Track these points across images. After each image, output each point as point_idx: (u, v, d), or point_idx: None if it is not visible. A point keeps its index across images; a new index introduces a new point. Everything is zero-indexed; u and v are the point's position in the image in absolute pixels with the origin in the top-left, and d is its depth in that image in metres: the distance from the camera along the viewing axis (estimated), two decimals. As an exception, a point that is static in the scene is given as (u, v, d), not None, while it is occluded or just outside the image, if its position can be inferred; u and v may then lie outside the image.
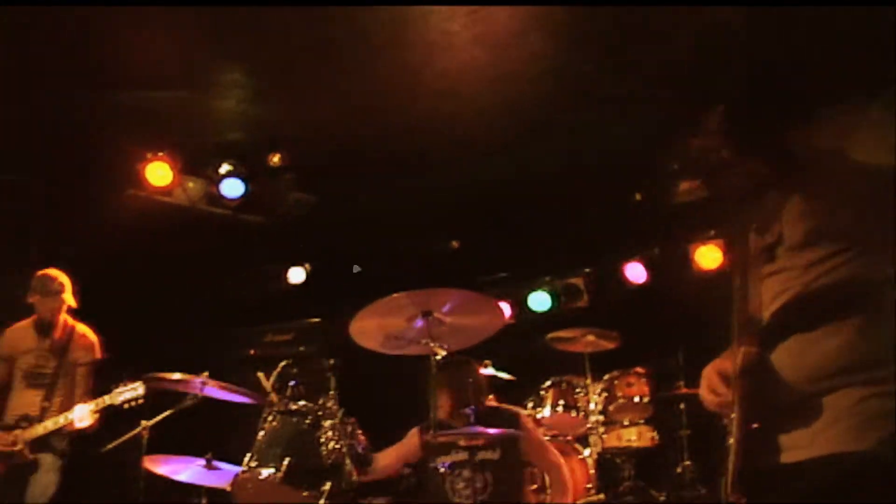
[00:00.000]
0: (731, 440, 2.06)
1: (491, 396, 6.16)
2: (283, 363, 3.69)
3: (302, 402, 3.55)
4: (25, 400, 4.80)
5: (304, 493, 3.30)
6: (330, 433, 3.37)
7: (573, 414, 5.98)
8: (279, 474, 3.31)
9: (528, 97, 5.35)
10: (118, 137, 5.71)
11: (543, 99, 5.39)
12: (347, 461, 3.26)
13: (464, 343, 3.52)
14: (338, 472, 3.28)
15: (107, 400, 4.57)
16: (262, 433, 3.53)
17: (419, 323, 3.28)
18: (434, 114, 5.56)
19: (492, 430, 3.87)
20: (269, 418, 3.55)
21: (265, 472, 3.34)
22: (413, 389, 3.91)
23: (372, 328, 3.31)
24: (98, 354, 5.00)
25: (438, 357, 3.19)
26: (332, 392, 3.50)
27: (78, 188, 6.17)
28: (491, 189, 6.70)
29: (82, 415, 4.59)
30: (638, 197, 6.99)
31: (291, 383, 3.69)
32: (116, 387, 4.55)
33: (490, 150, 6.07)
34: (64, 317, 4.97)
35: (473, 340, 3.56)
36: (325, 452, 3.35)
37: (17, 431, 4.66)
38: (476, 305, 3.34)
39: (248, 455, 3.45)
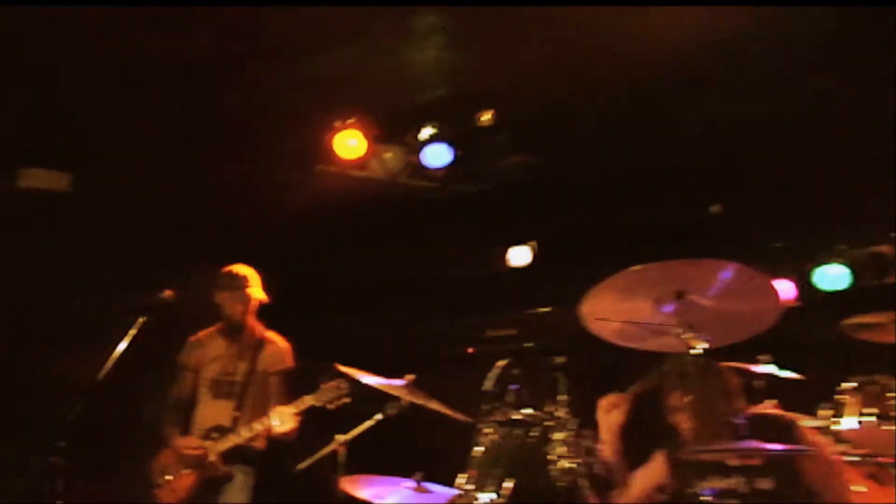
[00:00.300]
0: None
1: (773, 402, 5.82)
2: (501, 363, 3.61)
3: (527, 411, 3.45)
4: (215, 411, 5.08)
5: (533, 525, 3.21)
6: (561, 449, 3.25)
7: (889, 427, 5.49)
8: (501, 500, 3.23)
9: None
10: (299, 109, 5.85)
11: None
12: (584, 483, 3.11)
13: (728, 337, 3.24)
14: (572, 496, 3.15)
15: (308, 400, 4.75)
16: (478, 448, 3.47)
17: (669, 307, 3.07)
18: (673, 46, 5.23)
19: (773, 446, 3.58)
20: (487, 430, 3.49)
21: (484, 498, 3.27)
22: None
23: (607, 312, 3.11)
24: (290, 363, 5.23)
25: (696, 352, 2.95)
26: (562, 398, 3.38)
27: (261, 172, 6.43)
28: (758, 135, 6.27)
29: (282, 418, 4.78)
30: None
31: (513, 387, 3.59)
32: (318, 387, 4.73)
33: (751, 85, 5.64)
34: (253, 320, 5.26)
35: (740, 335, 3.26)
36: (555, 472, 3.24)
37: (209, 443, 4.93)
38: (746, 285, 3.05)
39: (464, 475, 3.40)
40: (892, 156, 6.24)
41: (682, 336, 3.01)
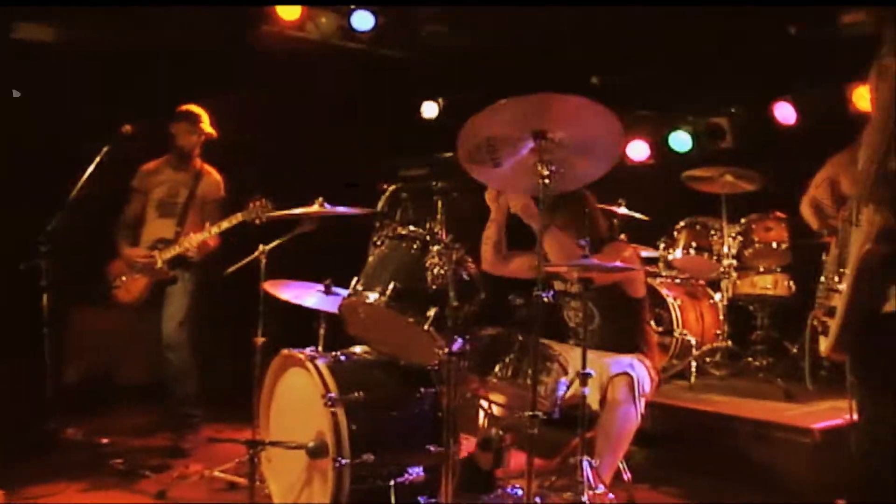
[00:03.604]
0: (842, 288, 1.71)
1: (623, 236, 5.83)
2: (391, 187, 3.47)
3: (411, 227, 3.33)
4: (160, 227, 5.01)
5: (410, 319, 3.13)
6: (435, 259, 3.15)
7: (705, 256, 5.55)
8: (384, 298, 3.14)
9: None
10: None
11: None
12: (451, 288, 3.03)
13: (582, 174, 3.10)
14: (441, 294, 3.07)
15: (240, 216, 4.66)
16: (371, 258, 3.36)
17: (528, 145, 2.92)
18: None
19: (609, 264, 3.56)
20: (379, 243, 3.37)
21: (371, 296, 3.18)
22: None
23: (479, 145, 2.94)
24: (223, 193, 5.14)
25: (547, 180, 2.82)
26: (439, 216, 3.26)
27: (208, 27, 6.06)
28: (633, 23, 6.08)
29: (217, 230, 4.73)
30: (792, 30, 6.19)
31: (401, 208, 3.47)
32: (247, 205, 4.62)
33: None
34: (198, 153, 5.13)
35: (593, 172, 3.12)
36: (430, 278, 3.14)
37: (156, 252, 4.91)
38: (594, 122, 2.88)
39: (355, 279, 3.30)
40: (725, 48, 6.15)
41: (538, 167, 2.86)
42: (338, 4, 6.29)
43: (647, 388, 3.64)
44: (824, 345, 1.81)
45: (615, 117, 2.83)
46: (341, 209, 3.74)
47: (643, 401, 3.57)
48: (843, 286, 1.69)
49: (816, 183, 1.84)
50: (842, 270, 1.72)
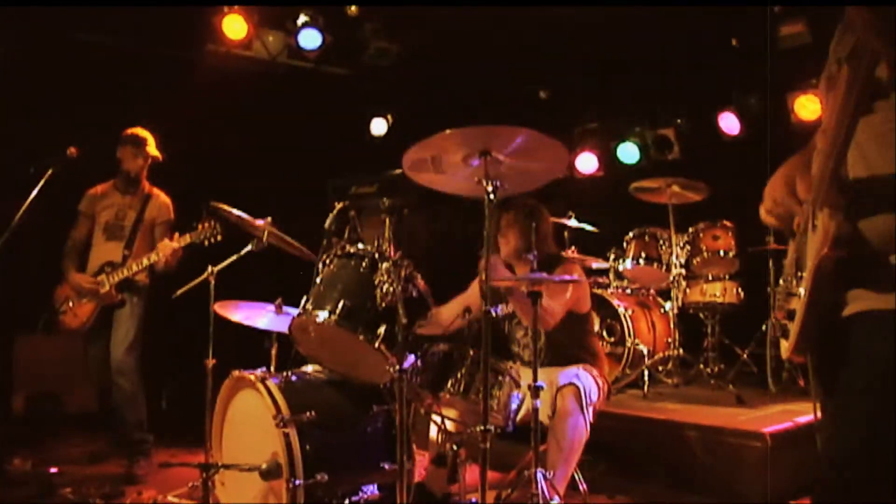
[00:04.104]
0: (801, 290, 1.76)
1: (573, 248, 5.90)
2: (339, 205, 3.47)
3: (360, 246, 3.34)
4: (107, 250, 4.94)
5: (360, 337, 3.12)
6: (385, 276, 3.16)
7: (655, 267, 5.64)
8: (334, 317, 3.14)
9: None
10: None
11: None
12: (400, 305, 3.03)
13: (520, 187, 3.15)
14: (390, 312, 3.07)
15: (189, 238, 4.65)
16: (320, 277, 3.35)
17: (475, 162, 2.95)
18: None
19: (556, 277, 3.61)
20: (328, 262, 3.37)
21: (321, 315, 3.17)
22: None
23: (425, 165, 2.97)
24: (172, 215, 5.09)
25: (492, 197, 2.86)
26: (387, 234, 3.27)
27: (155, 46, 6.03)
28: (581, 36, 6.18)
29: (165, 252, 4.68)
30: (734, 42, 6.36)
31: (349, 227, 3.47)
32: (195, 227, 4.63)
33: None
34: (144, 176, 5.08)
35: (530, 185, 3.18)
36: (379, 295, 3.15)
37: (102, 277, 4.84)
38: (539, 148, 2.95)
39: (305, 298, 3.29)
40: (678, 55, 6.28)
41: (482, 183, 2.89)
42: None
43: (595, 397, 3.68)
44: (784, 347, 1.86)
45: (561, 147, 2.89)
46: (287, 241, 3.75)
47: (591, 410, 3.61)
48: (801, 290, 1.74)
49: (773, 185, 1.88)
50: (800, 274, 1.76)
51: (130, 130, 5.04)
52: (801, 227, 1.80)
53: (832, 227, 1.62)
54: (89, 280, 4.82)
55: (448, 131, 2.82)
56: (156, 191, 5.11)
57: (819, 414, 1.81)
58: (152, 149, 5.06)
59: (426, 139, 2.88)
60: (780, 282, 1.97)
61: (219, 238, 4.53)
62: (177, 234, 4.72)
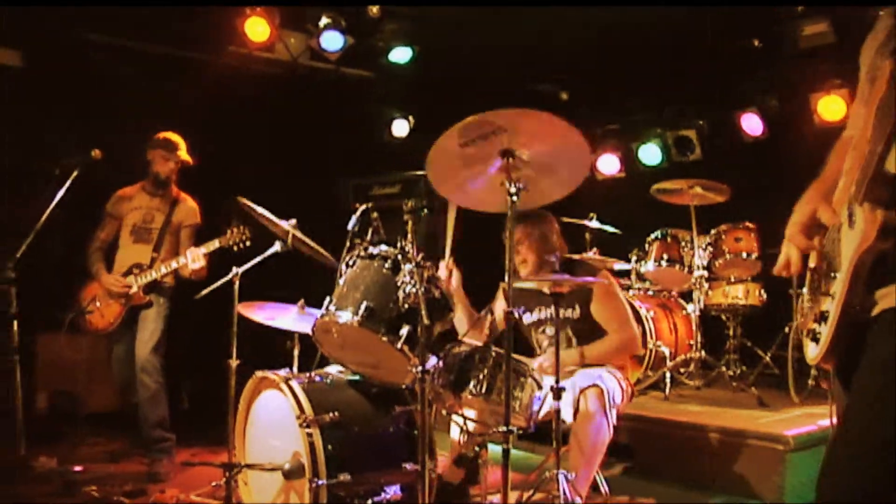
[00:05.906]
0: (834, 290, 1.76)
1: (595, 250, 5.91)
2: (361, 206, 3.50)
3: (382, 247, 3.37)
4: (135, 252, 5.00)
5: (383, 338, 3.16)
6: (406, 277, 3.19)
7: (677, 269, 5.64)
8: (356, 318, 3.17)
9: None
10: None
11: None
12: (423, 306, 3.06)
13: (548, 192, 3.16)
14: (413, 314, 3.10)
15: (217, 243, 4.72)
16: (343, 278, 3.39)
17: (497, 164, 2.98)
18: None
19: (578, 279, 3.62)
20: (350, 263, 3.40)
21: (344, 316, 3.21)
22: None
23: (448, 166, 2.99)
24: (199, 219, 5.15)
25: (515, 197, 2.88)
26: (409, 235, 3.29)
27: (178, 48, 6.10)
28: (602, 37, 6.19)
29: (194, 257, 4.74)
30: (756, 43, 6.35)
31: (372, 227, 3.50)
32: (224, 231, 4.70)
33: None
34: (174, 180, 5.14)
35: (555, 190, 3.18)
36: (402, 296, 3.18)
37: (131, 278, 4.91)
38: (561, 149, 2.95)
39: (328, 299, 3.32)
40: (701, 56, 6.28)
41: (506, 185, 2.91)
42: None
43: (619, 398, 3.69)
44: (815, 352, 1.84)
45: (580, 134, 2.89)
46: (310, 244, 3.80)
47: (615, 412, 3.62)
48: (834, 290, 1.74)
49: (795, 221, 1.89)
50: (833, 275, 1.76)
51: (162, 134, 5.09)
52: (830, 230, 1.80)
53: (878, 218, 1.61)
54: (121, 281, 4.88)
55: (470, 118, 2.85)
56: (183, 195, 5.17)
57: (835, 420, 1.80)
58: (184, 153, 5.10)
59: (446, 131, 2.89)
60: (804, 289, 1.96)
61: (248, 244, 4.58)
62: (207, 244, 4.79)
